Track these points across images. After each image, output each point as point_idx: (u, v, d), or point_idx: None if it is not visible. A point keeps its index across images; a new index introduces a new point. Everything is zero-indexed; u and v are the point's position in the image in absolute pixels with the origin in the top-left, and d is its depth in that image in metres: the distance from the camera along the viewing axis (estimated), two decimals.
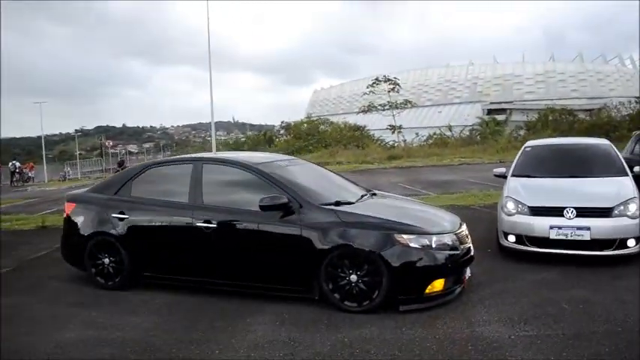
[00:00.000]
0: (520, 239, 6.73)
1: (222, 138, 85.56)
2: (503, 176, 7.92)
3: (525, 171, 7.73)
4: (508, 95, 74.73)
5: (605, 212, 6.39)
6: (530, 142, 8.77)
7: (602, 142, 8.33)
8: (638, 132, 11.07)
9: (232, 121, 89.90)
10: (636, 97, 39.88)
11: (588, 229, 6.30)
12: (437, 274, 5.10)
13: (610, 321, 4.68)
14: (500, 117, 49.80)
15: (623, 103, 39.47)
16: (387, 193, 7.20)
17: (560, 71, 76.15)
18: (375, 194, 6.47)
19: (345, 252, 5.10)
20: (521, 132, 40.46)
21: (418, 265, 5.02)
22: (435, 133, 44.68)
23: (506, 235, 6.90)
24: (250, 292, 5.56)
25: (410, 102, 41.82)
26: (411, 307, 5.03)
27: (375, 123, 45.84)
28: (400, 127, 41.81)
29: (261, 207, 5.28)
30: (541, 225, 6.53)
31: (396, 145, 39.18)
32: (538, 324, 4.67)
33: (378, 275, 5.00)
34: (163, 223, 5.94)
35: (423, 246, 5.06)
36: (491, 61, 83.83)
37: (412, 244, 5.03)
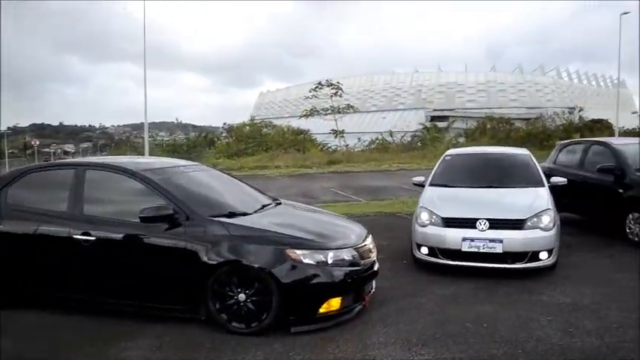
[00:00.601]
0: (433, 251, 6.46)
1: (165, 139, 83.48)
2: (422, 185, 7.66)
3: (443, 180, 7.50)
4: (451, 103, 76.34)
5: (517, 224, 6.19)
6: (451, 151, 8.58)
7: (522, 152, 8.20)
8: (562, 142, 11.10)
9: (176, 121, 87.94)
10: (569, 108, 41.32)
11: (500, 241, 6.09)
12: (333, 292, 4.72)
13: (511, 342, 4.41)
14: (442, 124, 50.56)
15: (557, 114, 40.79)
16: (294, 203, 6.77)
17: (501, 81, 78.45)
18: (279, 204, 6.04)
19: (234, 268, 4.64)
20: (461, 139, 41.27)
21: (312, 282, 4.62)
22: (377, 139, 44.99)
23: (419, 246, 6.63)
24: (132, 311, 5.02)
25: (352, 107, 41.82)
26: (303, 328, 4.63)
27: (320, 127, 45.67)
28: (342, 131, 41.84)
29: (141, 218, 4.76)
30: (453, 237, 6.28)
31: (338, 149, 39.04)
32: (436, 346, 4.35)
33: (267, 294, 4.58)
34: (38, 234, 5.29)
35: (318, 262, 4.67)
36: (436, 69, 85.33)
37: (305, 260, 4.63)
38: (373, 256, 5.31)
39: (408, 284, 6.12)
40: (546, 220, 6.22)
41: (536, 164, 7.56)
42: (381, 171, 24.97)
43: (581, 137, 37.43)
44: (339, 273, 4.75)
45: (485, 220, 6.21)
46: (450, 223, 6.40)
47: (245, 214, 5.20)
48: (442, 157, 8.15)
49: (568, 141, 10.92)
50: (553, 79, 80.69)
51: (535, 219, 6.20)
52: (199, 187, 5.57)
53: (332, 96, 40.25)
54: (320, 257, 4.68)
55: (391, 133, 42.41)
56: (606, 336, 4.47)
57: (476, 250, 6.16)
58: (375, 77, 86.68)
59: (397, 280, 6.28)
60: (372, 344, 4.42)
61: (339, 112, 40.51)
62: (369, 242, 5.34)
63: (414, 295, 5.70)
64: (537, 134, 37.50)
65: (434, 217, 6.53)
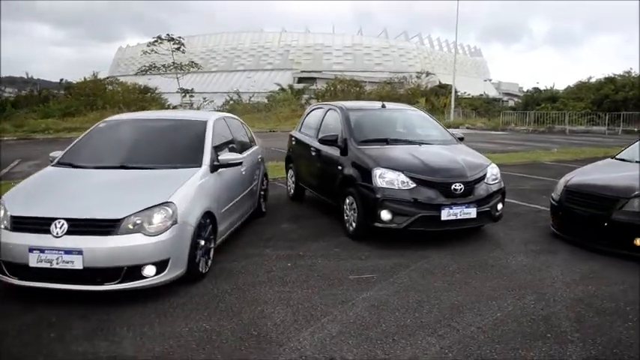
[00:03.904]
0: None
1: (13, 96, 74.84)
2: (62, 163, 5.41)
3: (76, 157, 5.34)
4: (318, 65, 75.35)
5: (108, 227, 4.13)
6: (114, 117, 6.40)
7: (201, 117, 6.04)
8: (311, 105, 9.34)
9: (26, 77, 78.94)
10: (417, 72, 41.32)
11: (80, 252, 4.01)
12: None
13: None
14: (298, 86, 49.11)
15: (405, 78, 40.62)
16: None
17: (367, 45, 78.56)
18: None
19: None
20: (313, 101, 40.01)
21: None
22: (231, 99, 42.79)
23: None
24: None
25: (196, 64, 38.83)
26: None
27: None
28: (192, 90, 39.00)
29: None
30: (19, 245, 4.12)
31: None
32: None
33: None
34: None
35: None
36: (304, 30, 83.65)
37: None
38: None
39: None
40: (157, 219, 4.23)
41: (209, 136, 5.55)
42: None
43: (426, 101, 37.68)
44: None
45: (63, 221, 4.10)
46: (19, 224, 4.23)
47: None
48: (95, 125, 5.98)
49: (313, 105, 9.18)
50: (416, 44, 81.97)
51: (138, 219, 4.18)
52: None
53: (173, 51, 36.96)
54: None
55: (239, 94, 40.12)
56: None
57: (48, 265, 4.04)
58: (242, 35, 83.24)
59: None
60: None
61: (182, 69, 37.41)
62: None
63: None
64: (385, 97, 37.00)
65: (7, 214, 4.33)
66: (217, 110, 38.57)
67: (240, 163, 5.54)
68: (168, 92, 43.38)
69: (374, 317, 4.00)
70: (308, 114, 8.51)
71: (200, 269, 4.69)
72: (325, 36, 79.48)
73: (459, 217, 5.74)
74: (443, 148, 6.63)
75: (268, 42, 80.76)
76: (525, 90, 53.75)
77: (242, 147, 6.60)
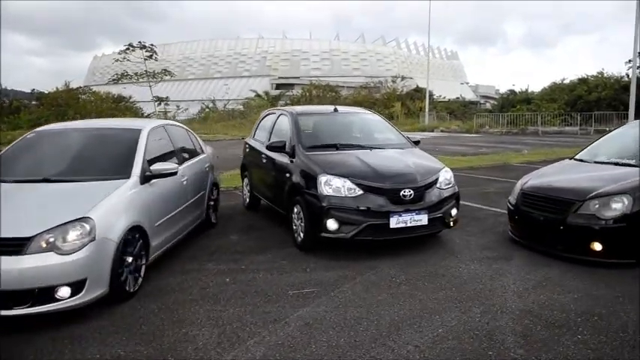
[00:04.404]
0: None
1: None
2: None
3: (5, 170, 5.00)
4: (296, 71, 75.18)
5: (16, 247, 3.79)
6: (43, 127, 6.03)
7: (135, 125, 5.76)
8: (265, 111, 9.04)
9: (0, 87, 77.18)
10: (393, 77, 41.26)
11: None
12: None
13: None
14: (275, 92, 48.83)
15: (381, 82, 40.52)
16: None
17: (344, 50, 78.61)
18: None
19: None
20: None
21: None
22: (207, 107, 42.38)
23: None
24: None
25: (169, 72, 38.18)
26: None
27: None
28: (167, 98, 38.41)
29: None
30: None
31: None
32: None
33: None
34: None
35: None
36: (281, 36, 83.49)
37: None
38: None
39: None
40: (72, 236, 3.91)
41: (142, 145, 5.21)
42: None
43: (402, 106, 37.63)
44: None
45: None
46: None
47: None
48: (23, 136, 5.65)
49: (266, 110, 8.91)
50: (393, 49, 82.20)
51: (51, 236, 3.85)
52: None
53: (146, 59, 36.38)
54: None
55: (214, 101, 39.72)
56: None
57: None
58: (219, 42, 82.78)
59: None
60: None
61: (154, 77, 36.84)
62: None
63: None
64: (362, 102, 36.94)
65: None
66: (192, 118, 38.17)
67: (174, 173, 5.21)
68: (142, 101, 42.76)
69: (305, 337, 3.71)
70: (261, 120, 8.23)
71: (127, 288, 4.37)
72: (303, 42, 79.37)
73: (409, 225, 5.49)
74: (395, 153, 6.39)
75: (245, 48, 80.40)
76: (502, 92, 54.17)
77: (186, 155, 6.30)
